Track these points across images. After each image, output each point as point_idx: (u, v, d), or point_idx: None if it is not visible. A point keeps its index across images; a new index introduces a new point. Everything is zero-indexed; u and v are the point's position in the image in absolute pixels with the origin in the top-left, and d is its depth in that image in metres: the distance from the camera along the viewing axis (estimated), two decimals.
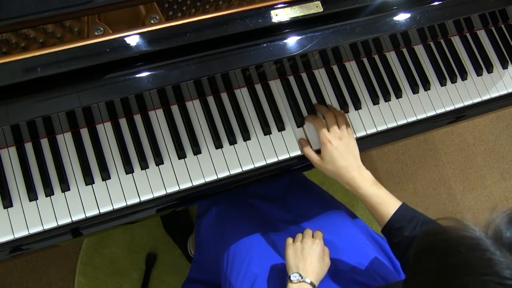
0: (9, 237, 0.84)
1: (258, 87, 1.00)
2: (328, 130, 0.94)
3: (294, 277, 0.87)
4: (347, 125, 0.97)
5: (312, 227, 1.00)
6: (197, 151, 0.94)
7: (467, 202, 1.95)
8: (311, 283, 0.87)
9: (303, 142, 0.96)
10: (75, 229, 0.88)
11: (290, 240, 0.94)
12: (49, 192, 0.87)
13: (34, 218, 0.85)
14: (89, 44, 0.78)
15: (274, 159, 0.96)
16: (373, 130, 1.02)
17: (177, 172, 0.92)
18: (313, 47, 0.87)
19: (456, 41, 1.14)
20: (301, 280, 0.86)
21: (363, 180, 0.89)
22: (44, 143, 0.89)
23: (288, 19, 0.85)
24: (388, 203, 0.87)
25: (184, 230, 1.60)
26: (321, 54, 1.00)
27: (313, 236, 0.93)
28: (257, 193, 1.14)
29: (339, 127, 0.95)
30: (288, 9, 0.86)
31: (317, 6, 0.87)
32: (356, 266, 0.96)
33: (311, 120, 0.98)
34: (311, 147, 0.96)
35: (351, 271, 0.95)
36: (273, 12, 0.85)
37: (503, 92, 1.12)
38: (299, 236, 0.94)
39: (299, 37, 0.87)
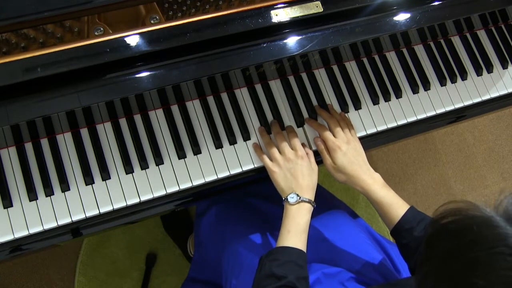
0: (9, 237, 0.84)
1: (258, 87, 1.00)
2: (334, 136, 0.94)
3: (291, 198, 0.86)
4: (351, 127, 0.98)
5: (312, 226, 1.01)
6: (197, 151, 0.94)
7: None
8: (310, 201, 0.87)
9: (319, 145, 0.96)
10: (75, 229, 0.88)
11: (269, 162, 0.91)
12: (49, 192, 0.87)
13: (34, 218, 0.85)
14: (89, 44, 0.78)
15: None
16: (373, 130, 1.02)
17: (177, 172, 0.92)
18: (313, 47, 0.87)
19: (456, 41, 1.14)
20: (300, 200, 0.86)
21: (374, 183, 0.90)
22: (44, 143, 0.89)
23: (288, 19, 0.85)
24: (397, 205, 0.88)
25: (184, 230, 1.60)
26: (321, 54, 1.00)
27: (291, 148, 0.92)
28: (257, 192, 1.14)
29: (343, 131, 0.95)
30: (288, 9, 0.86)
31: (317, 6, 0.87)
32: (356, 265, 0.96)
33: (315, 128, 0.98)
34: (327, 152, 0.95)
35: (352, 269, 0.95)
36: (273, 12, 0.85)
37: (503, 92, 1.12)
38: (276, 154, 0.91)
39: (299, 37, 0.87)
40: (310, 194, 0.88)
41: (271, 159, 0.92)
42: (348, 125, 0.97)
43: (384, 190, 0.89)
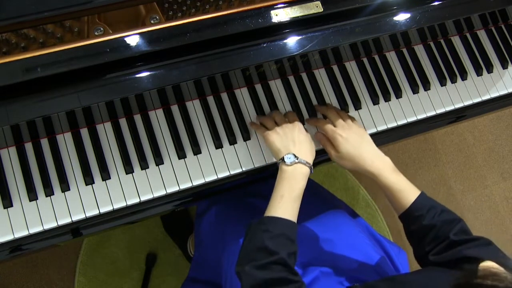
0: (9, 237, 0.84)
1: (258, 87, 1.00)
2: (334, 125, 0.94)
3: (288, 158, 0.82)
4: (351, 117, 0.97)
5: (312, 225, 1.01)
6: (197, 151, 0.94)
7: (467, 202, 1.95)
8: (307, 163, 0.83)
9: (321, 139, 0.96)
10: (75, 229, 0.88)
11: (262, 128, 0.90)
12: (49, 192, 0.87)
13: (34, 218, 0.85)
14: (89, 44, 0.78)
15: (274, 159, 0.96)
16: (373, 130, 1.02)
17: (177, 172, 0.92)
18: (313, 47, 0.87)
19: (456, 41, 1.14)
20: (297, 161, 0.82)
21: (384, 167, 0.87)
22: (44, 143, 0.89)
23: (288, 19, 0.85)
24: (407, 191, 0.86)
25: (184, 230, 1.60)
26: (321, 54, 1.00)
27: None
28: (257, 192, 1.14)
29: (342, 119, 0.94)
30: (288, 9, 0.86)
31: (317, 6, 0.87)
32: (355, 265, 0.96)
33: (313, 123, 0.98)
34: (329, 144, 0.94)
35: (351, 269, 0.95)
36: (273, 12, 0.85)
37: (503, 92, 1.12)
38: (272, 123, 0.90)
39: (299, 37, 0.87)
40: (308, 159, 0.84)
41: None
42: (348, 115, 0.97)
43: (394, 175, 0.87)
